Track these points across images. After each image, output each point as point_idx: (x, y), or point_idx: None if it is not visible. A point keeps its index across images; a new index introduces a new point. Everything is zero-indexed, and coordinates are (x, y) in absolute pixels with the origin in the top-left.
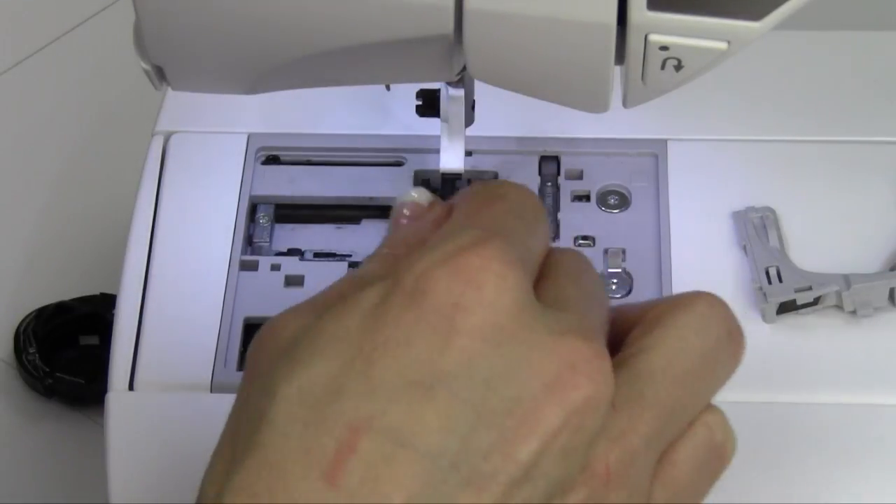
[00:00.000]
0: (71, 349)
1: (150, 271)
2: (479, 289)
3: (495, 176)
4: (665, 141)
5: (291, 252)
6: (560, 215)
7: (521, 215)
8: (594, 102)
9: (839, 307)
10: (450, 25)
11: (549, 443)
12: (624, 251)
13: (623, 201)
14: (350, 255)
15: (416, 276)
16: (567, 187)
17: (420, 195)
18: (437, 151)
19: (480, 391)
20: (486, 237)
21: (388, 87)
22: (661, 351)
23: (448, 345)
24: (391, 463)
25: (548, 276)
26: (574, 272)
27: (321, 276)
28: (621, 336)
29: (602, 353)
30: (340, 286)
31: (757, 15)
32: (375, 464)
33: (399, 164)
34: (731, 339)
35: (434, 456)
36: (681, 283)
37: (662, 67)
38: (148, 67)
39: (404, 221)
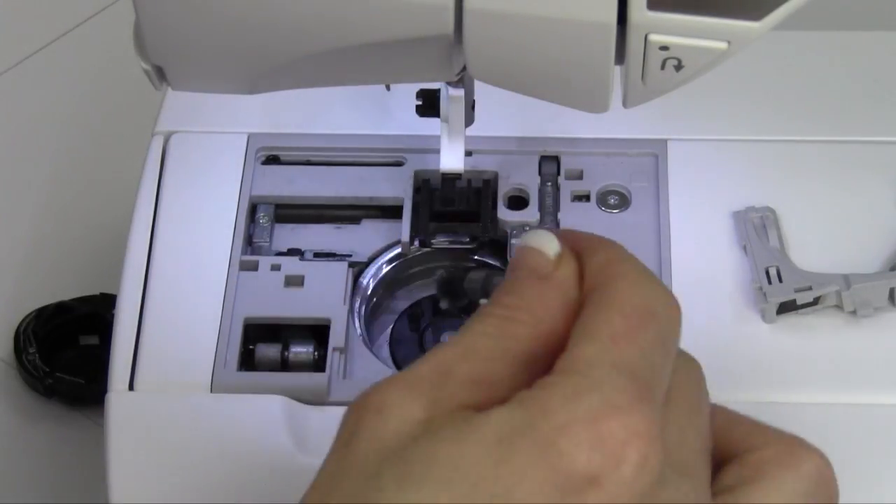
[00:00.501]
0: (71, 349)
1: (150, 271)
2: (619, 466)
3: (495, 176)
4: (665, 141)
5: (291, 252)
6: (560, 215)
7: (667, 342)
8: (594, 102)
9: (839, 307)
10: (450, 25)
11: None
12: None
13: (623, 201)
14: (350, 255)
15: (553, 427)
16: (567, 187)
17: (545, 244)
18: (437, 151)
19: None
20: (635, 399)
21: (388, 87)
22: None
23: None
24: None
25: (671, 410)
26: (694, 407)
27: (321, 276)
28: (720, 448)
29: None
30: (445, 358)
31: (757, 15)
32: None
33: (399, 164)
34: None
35: None
36: (681, 283)
37: (662, 67)
38: (148, 67)
39: (524, 276)
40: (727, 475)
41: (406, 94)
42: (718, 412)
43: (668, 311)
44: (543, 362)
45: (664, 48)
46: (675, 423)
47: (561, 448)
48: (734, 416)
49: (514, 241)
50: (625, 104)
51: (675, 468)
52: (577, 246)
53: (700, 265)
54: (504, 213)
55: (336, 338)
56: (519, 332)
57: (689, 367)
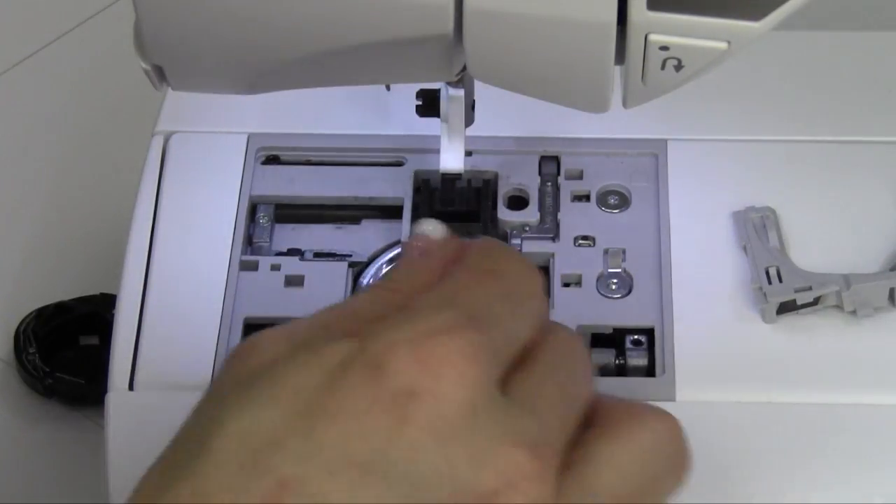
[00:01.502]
0: (71, 349)
1: (150, 271)
2: (437, 380)
3: (495, 176)
4: (665, 141)
5: (291, 252)
6: (560, 215)
7: (513, 298)
8: (594, 102)
9: (839, 307)
10: (450, 25)
11: None
12: (624, 251)
13: (623, 201)
14: (350, 255)
15: (380, 348)
16: (567, 187)
17: (434, 229)
18: (437, 151)
19: (415, 486)
20: (460, 325)
21: (388, 87)
22: (611, 470)
23: (394, 431)
24: None
25: (529, 365)
26: (558, 364)
27: (321, 276)
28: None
29: (545, 475)
30: (327, 317)
31: (757, 15)
32: None
33: (399, 164)
34: (678, 465)
35: None
36: (681, 283)
37: (662, 67)
38: (148, 67)
39: (415, 255)
40: (588, 434)
41: (406, 94)
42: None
43: (518, 273)
44: None
45: (664, 48)
46: (527, 375)
47: (385, 366)
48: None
49: (513, 241)
50: (625, 104)
51: (516, 404)
52: (464, 246)
53: (700, 265)
54: (504, 213)
55: None
56: (394, 299)
57: (556, 334)
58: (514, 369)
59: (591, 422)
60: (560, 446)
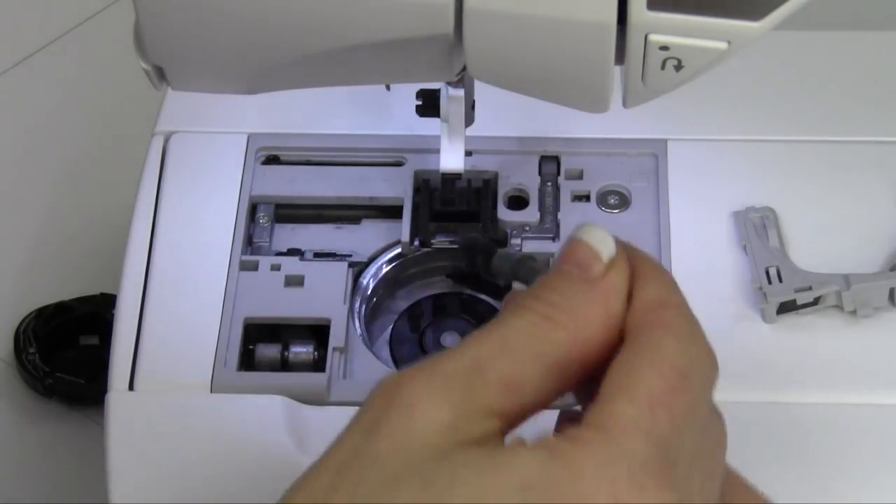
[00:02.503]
0: (71, 349)
1: (150, 271)
2: None
3: (495, 176)
4: (665, 141)
5: (291, 252)
6: (560, 215)
7: (698, 408)
8: (594, 102)
9: (839, 307)
10: (450, 25)
11: None
12: None
13: (623, 201)
14: (350, 255)
15: (576, 488)
16: (567, 187)
17: (601, 243)
18: (437, 151)
19: None
20: (657, 478)
21: (388, 87)
22: None
23: None
24: None
25: (684, 468)
26: (709, 470)
27: (321, 276)
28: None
29: None
30: (477, 355)
31: (757, 15)
32: None
33: (399, 164)
34: None
35: None
36: (681, 283)
37: (662, 67)
38: (148, 67)
39: (573, 275)
40: None
41: (406, 94)
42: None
43: (703, 372)
44: (574, 370)
45: (664, 48)
46: (685, 481)
47: None
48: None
49: (513, 241)
50: (625, 104)
51: None
52: (632, 262)
53: (700, 265)
54: (504, 213)
55: (336, 338)
56: (558, 336)
57: (712, 429)
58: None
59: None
60: None
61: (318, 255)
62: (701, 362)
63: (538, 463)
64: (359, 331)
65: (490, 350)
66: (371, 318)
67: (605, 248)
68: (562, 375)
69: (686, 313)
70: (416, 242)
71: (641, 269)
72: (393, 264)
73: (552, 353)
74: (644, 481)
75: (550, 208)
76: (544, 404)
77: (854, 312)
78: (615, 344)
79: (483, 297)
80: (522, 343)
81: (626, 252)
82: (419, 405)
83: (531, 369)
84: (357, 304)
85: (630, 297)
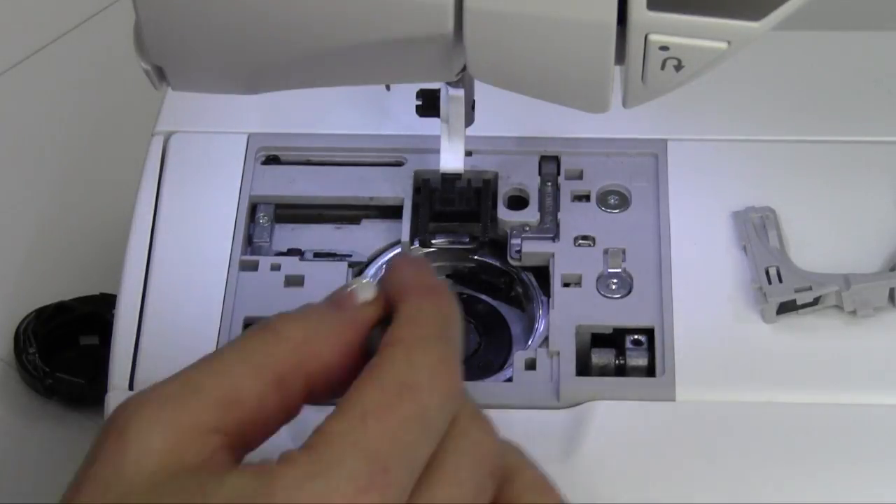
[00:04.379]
0: (71, 349)
1: (150, 271)
2: None
3: (495, 176)
4: (665, 141)
5: (291, 252)
6: (560, 215)
7: (426, 419)
8: (594, 102)
9: (839, 307)
10: (450, 25)
11: None
12: (624, 251)
13: (623, 201)
14: (350, 255)
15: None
16: (567, 187)
17: (362, 289)
18: (437, 151)
19: None
20: (363, 489)
21: (388, 87)
22: None
23: None
24: None
25: (430, 481)
26: (462, 478)
27: (321, 276)
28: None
29: None
30: (196, 381)
31: (757, 15)
32: None
33: (399, 164)
34: None
35: None
36: (681, 283)
37: (662, 67)
38: (148, 67)
39: (324, 302)
40: None
41: (406, 94)
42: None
43: (435, 382)
44: (298, 384)
45: (664, 48)
46: (428, 491)
47: None
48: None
49: (513, 241)
50: (625, 104)
51: None
52: (400, 292)
53: (700, 265)
54: (504, 213)
55: None
56: (279, 348)
57: (468, 435)
58: (417, 485)
59: None
60: None
61: (318, 255)
62: (433, 373)
63: (242, 485)
64: None
65: (205, 369)
66: None
67: (364, 293)
68: (283, 388)
69: (430, 327)
70: (416, 242)
71: (406, 292)
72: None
73: (271, 366)
74: (346, 492)
75: (550, 208)
76: (272, 417)
77: (854, 312)
78: (356, 371)
79: (483, 297)
80: (238, 358)
81: (401, 283)
82: (130, 431)
83: (248, 382)
84: None
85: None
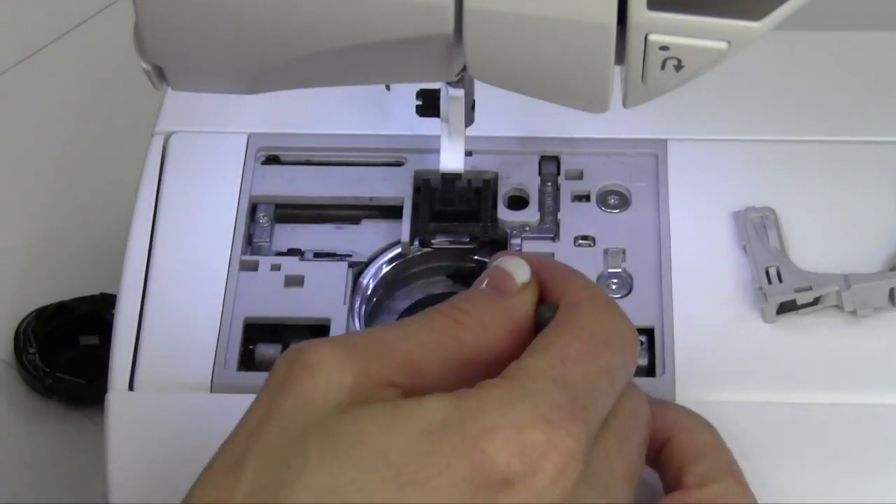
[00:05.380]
0: (71, 349)
1: (150, 271)
2: (535, 473)
3: (495, 176)
4: (665, 141)
5: (291, 252)
6: (560, 215)
7: (615, 372)
8: (594, 102)
9: (839, 307)
10: (450, 25)
11: None
12: (624, 251)
13: (623, 201)
14: (350, 255)
15: (482, 427)
16: (567, 187)
17: (517, 269)
18: (437, 151)
19: None
20: (564, 416)
21: (388, 87)
22: None
23: None
24: None
25: (604, 437)
26: (627, 436)
27: (321, 276)
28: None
29: None
30: (385, 339)
31: (757, 15)
32: None
33: (399, 164)
34: None
35: None
36: (681, 283)
37: (662, 67)
38: (148, 67)
39: (488, 287)
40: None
41: (406, 94)
42: (678, 429)
43: (623, 342)
44: (476, 370)
45: (664, 48)
46: (603, 447)
47: (484, 448)
48: (698, 447)
49: (513, 241)
50: (625, 104)
51: (593, 486)
52: (548, 273)
53: (700, 265)
54: (504, 213)
55: None
56: (461, 336)
57: (633, 399)
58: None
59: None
60: None
61: (318, 255)
62: (621, 334)
63: (443, 408)
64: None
65: (397, 335)
66: (371, 318)
67: (520, 273)
68: (462, 371)
69: (604, 294)
70: (416, 242)
71: (557, 273)
72: (393, 264)
73: (454, 350)
74: (551, 417)
75: (550, 208)
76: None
77: (854, 312)
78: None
79: None
80: (426, 335)
81: (543, 267)
82: (321, 367)
83: (433, 356)
84: (357, 304)
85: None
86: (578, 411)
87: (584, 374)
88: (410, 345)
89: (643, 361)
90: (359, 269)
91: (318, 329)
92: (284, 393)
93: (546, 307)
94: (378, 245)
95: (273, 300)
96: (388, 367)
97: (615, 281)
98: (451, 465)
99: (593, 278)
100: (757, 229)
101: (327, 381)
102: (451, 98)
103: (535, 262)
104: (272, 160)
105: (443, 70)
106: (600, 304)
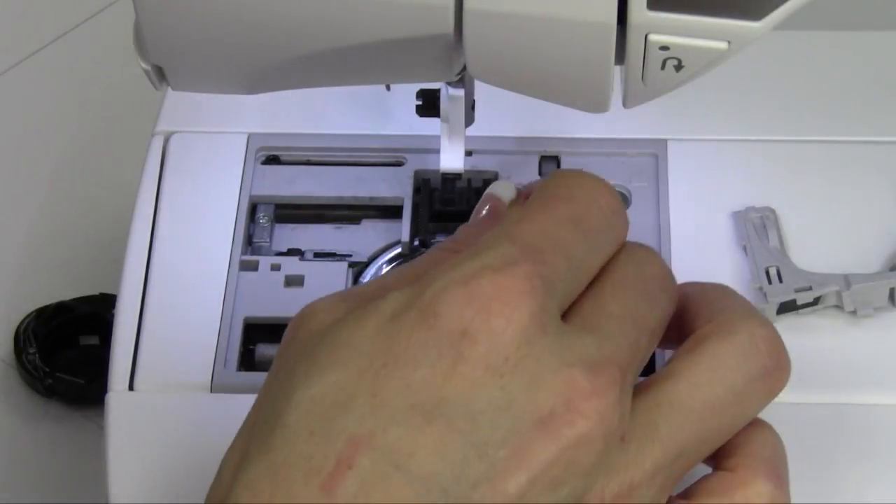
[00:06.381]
0: (71, 349)
1: (150, 271)
2: (488, 318)
3: (495, 176)
4: (665, 141)
5: (291, 252)
6: None
7: (583, 221)
8: (594, 102)
9: (839, 307)
10: (450, 25)
11: (538, 477)
12: None
13: (623, 201)
14: (350, 255)
15: (433, 293)
16: None
17: (504, 191)
18: (437, 151)
19: (476, 422)
20: (512, 260)
21: (388, 87)
22: (686, 382)
23: (451, 372)
24: (385, 483)
25: (594, 286)
26: (627, 282)
27: (321, 276)
28: (685, 323)
29: (603, 390)
30: (384, 278)
31: (757, 15)
32: (370, 481)
33: (399, 164)
34: (768, 376)
35: (426, 481)
36: (681, 282)
37: (662, 67)
38: (148, 67)
39: (482, 215)
40: (678, 350)
41: (406, 94)
42: (705, 290)
43: (591, 194)
44: None
45: (664, 48)
46: (592, 296)
47: (437, 310)
48: (715, 295)
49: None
50: (625, 104)
51: (578, 326)
52: (530, 187)
53: (700, 265)
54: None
55: None
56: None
57: (631, 252)
58: (584, 291)
59: (683, 332)
60: (628, 364)
61: (318, 255)
62: (587, 188)
63: (402, 294)
64: None
65: (395, 274)
66: None
67: (507, 193)
68: None
69: (581, 173)
70: (416, 242)
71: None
72: (393, 264)
73: None
74: (497, 265)
75: None
76: None
77: (854, 312)
78: None
79: None
80: (424, 265)
81: (532, 186)
82: (316, 311)
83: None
84: None
85: None
86: (531, 255)
87: (539, 227)
88: (407, 279)
89: None
90: (359, 269)
91: None
92: (287, 344)
93: None
94: (378, 245)
95: (273, 300)
96: None
97: None
98: (413, 337)
99: None
100: (757, 229)
101: (323, 318)
102: (451, 98)
103: (522, 185)
104: (272, 160)
105: (443, 70)
106: (566, 170)
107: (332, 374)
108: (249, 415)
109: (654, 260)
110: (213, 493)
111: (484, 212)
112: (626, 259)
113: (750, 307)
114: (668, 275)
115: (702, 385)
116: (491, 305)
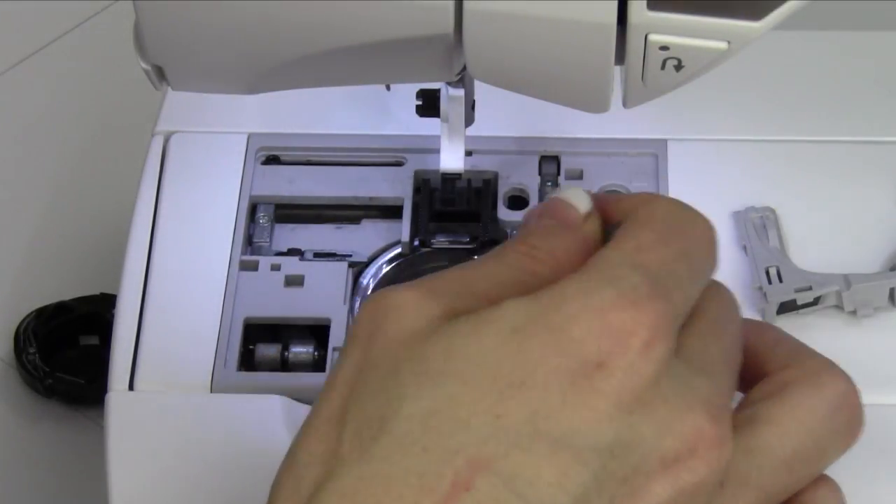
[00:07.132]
0: (71, 349)
1: (150, 271)
2: (625, 352)
3: (495, 176)
4: (665, 141)
5: (291, 252)
6: None
7: (692, 258)
8: (594, 102)
9: (839, 307)
10: (450, 25)
11: None
12: None
13: None
14: (350, 255)
15: (566, 317)
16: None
17: (579, 200)
18: (437, 151)
19: (602, 456)
20: (644, 294)
21: (388, 87)
22: (777, 430)
23: (583, 403)
24: None
25: (696, 324)
26: (720, 323)
27: (321, 276)
28: (759, 367)
29: (724, 440)
30: (464, 278)
31: (757, 15)
32: None
33: (399, 164)
34: (849, 432)
35: None
36: None
37: (662, 67)
38: (148, 67)
39: (550, 222)
40: (754, 391)
41: (406, 94)
42: (764, 330)
43: (697, 231)
44: None
45: (664, 48)
46: (696, 331)
47: (573, 335)
48: (778, 335)
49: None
50: (625, 104)
51: (689, 365)
52: (607, 204)
53: None
54: (504, 213)
55: (336, 338)
56: (538, 270)
57: (718, 290)
58: (683, 327)
59: (760, 376)
60: (730, 406)
61: (318, 255)
62: (695, 223)
63: (522, 306)
64: None
65: (475, 273)
66: None
67: (582, 203)
68: None
69: (672, 198)
70: (416, 242)
71: (617, 198)
72: (393, 264)
73: (532, 285)
74: (633, 297)
75: None
76: None
77: (854, 312)
78: None
79: None
80: (504, 271)
81: (601, 201)
82: (408, 305)
83: (511, 293)
84: (357, 304)
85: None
86: (660, 291)
87: (661, 259)
88: (490, 283)
89: None
90: (359, 269)
91: (318, 329)
92: (374, 337)
93: (614, 226)
94: (378, 245)
95: (273, 300)
96: (471, 304)
97: None
98: (544, 358)
99: None
100: (757, 229)
101: (416, 316)
102: (451, 98)
103: (591, 194)
104: (272, 160)
105: (443, 70)
106: (669, 199)
107: (448, 386)
108: (332, 404)
109: (734, 300)
110: (286, 485)
111: (550, 217)
112: (717, 297)
113: (823, 356)
114: (740, 313)
115: (790, 435)
116: (630, 341)
